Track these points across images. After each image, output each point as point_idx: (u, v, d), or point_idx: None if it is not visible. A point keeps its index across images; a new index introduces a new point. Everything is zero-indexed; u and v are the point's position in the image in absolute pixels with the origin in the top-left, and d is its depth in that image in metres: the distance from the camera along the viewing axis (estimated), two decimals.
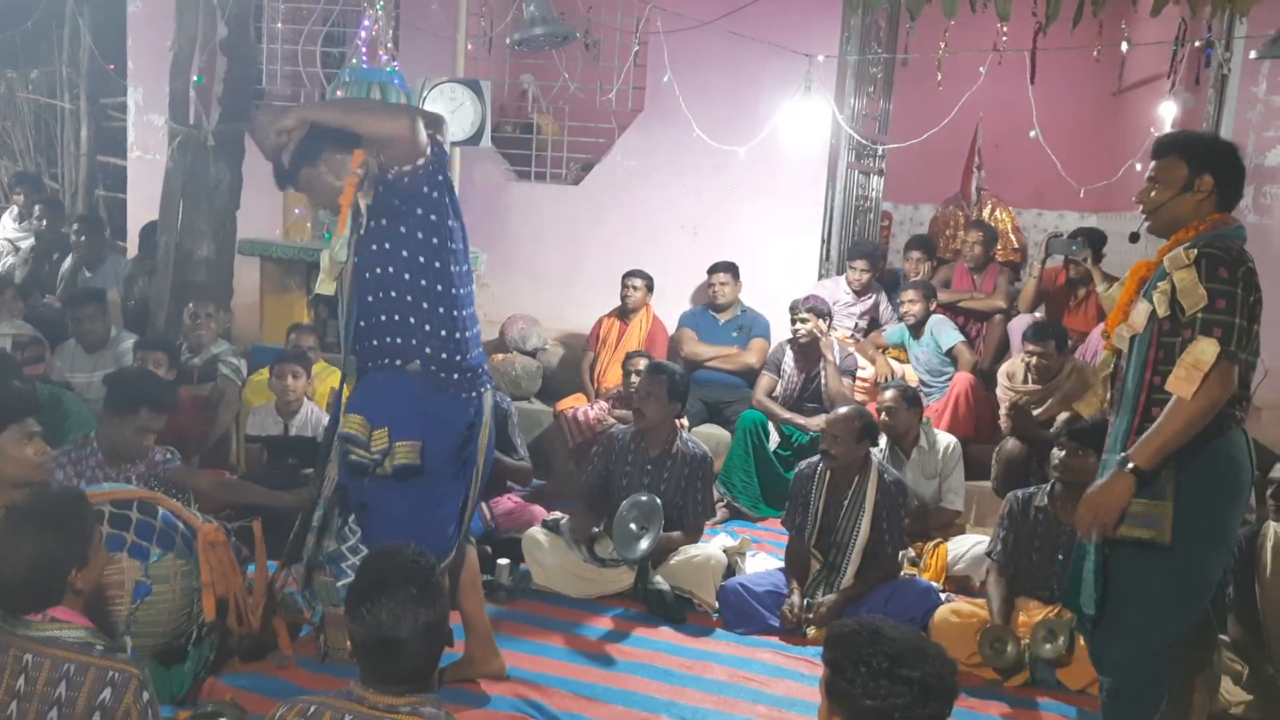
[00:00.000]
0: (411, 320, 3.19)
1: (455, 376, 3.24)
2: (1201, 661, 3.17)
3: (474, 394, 3.30)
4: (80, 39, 8.76)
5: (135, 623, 3.33)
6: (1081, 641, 3.96)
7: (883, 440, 5.14)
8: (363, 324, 3.24)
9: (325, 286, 3.28)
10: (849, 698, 1.98)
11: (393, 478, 3.19)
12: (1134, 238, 3.13)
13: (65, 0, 8.61)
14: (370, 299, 3.20)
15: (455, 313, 3.22)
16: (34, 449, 3.36)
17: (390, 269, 3.16)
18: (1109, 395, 3.14)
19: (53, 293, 7.09)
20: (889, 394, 5.23)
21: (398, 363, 3.22)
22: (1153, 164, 3.02)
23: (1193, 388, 2.73)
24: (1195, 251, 2.80)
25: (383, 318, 3.20)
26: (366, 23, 5.78)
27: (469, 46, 6.55)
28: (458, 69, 6.21)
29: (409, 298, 3.17)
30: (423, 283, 3.17)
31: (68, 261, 7.21)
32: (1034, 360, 5.55)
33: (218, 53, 6.19)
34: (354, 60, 5.80)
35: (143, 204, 7.55)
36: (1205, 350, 2.73)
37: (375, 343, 3.24)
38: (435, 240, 3.15)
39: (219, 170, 6.38)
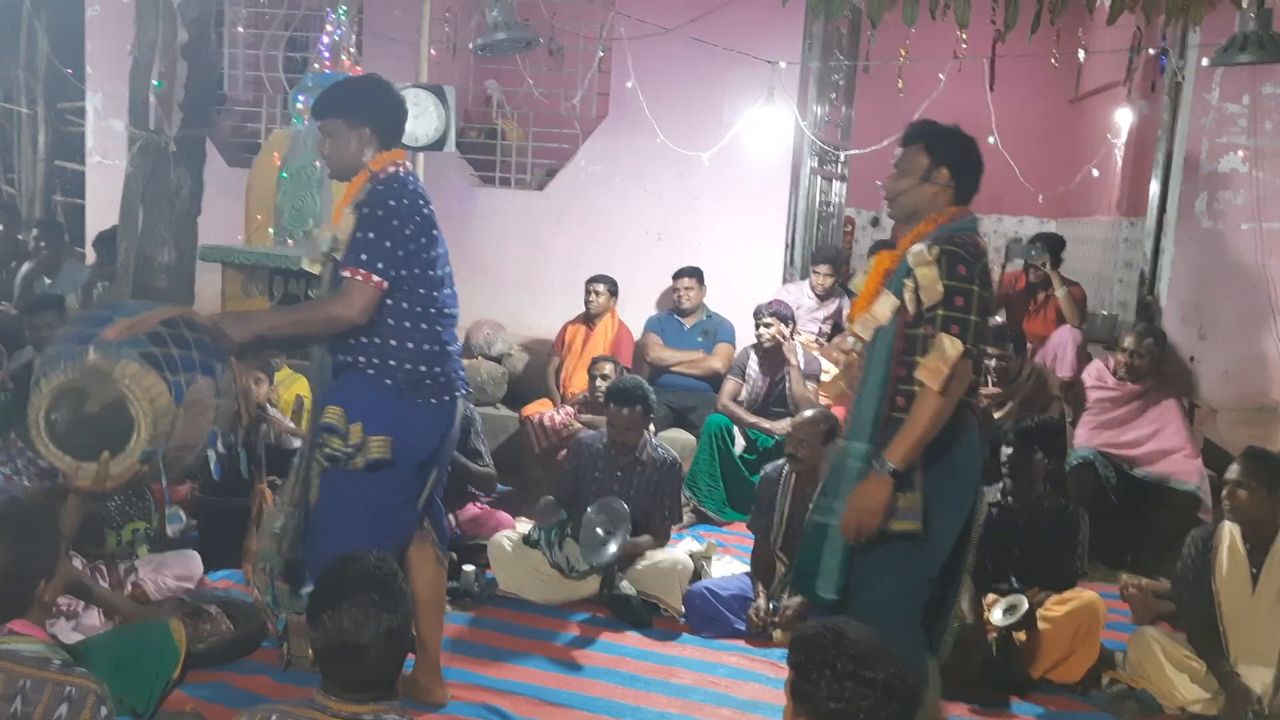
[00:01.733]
0: (377, 339, 3.23)
1: (426, 383, 3.28)
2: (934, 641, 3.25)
3: (446, 398, 3.35)
4: (38, 43, 8.64)
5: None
6: (1041, 623, 4.06)
7: None
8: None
9: (311, 265, 3.34)
10: (814, 700, 2.00)
11: (364, 471, 3.23)
12: (875, 222, 3.25)
13: (22, 4, 8.49)
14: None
15: (425, 326, 3.26)
16: None
17: None
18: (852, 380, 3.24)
19: (10, 300, 6.99)
20: None
21: (369, 372, 3.25)
22: (898, 151, 3.14)
23: (938, 382, 2.86)
24: (938, 249, 2.92)
25: (363, 337, 3.23)
26: (329, 28, 5.75)
27: (432, 52, 6.53)
28: (421, 74, 6.19)
29: (387, 319, 3.22)
30: (404, 305, 3.23)
31: (25, 268, 7.11)
32: (994, 364, 5.61)
33: (178, 58, 6.13)
34: (317, 66, 5.76)
35: (102, 210, 7.46)
36: (949, 347, 2.86)
37: (347, 355, 3.28)
38: (416, 269, 3.22)
39: (180, 176, 6.29)
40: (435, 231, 3.29)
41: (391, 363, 3.24)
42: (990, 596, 4.28)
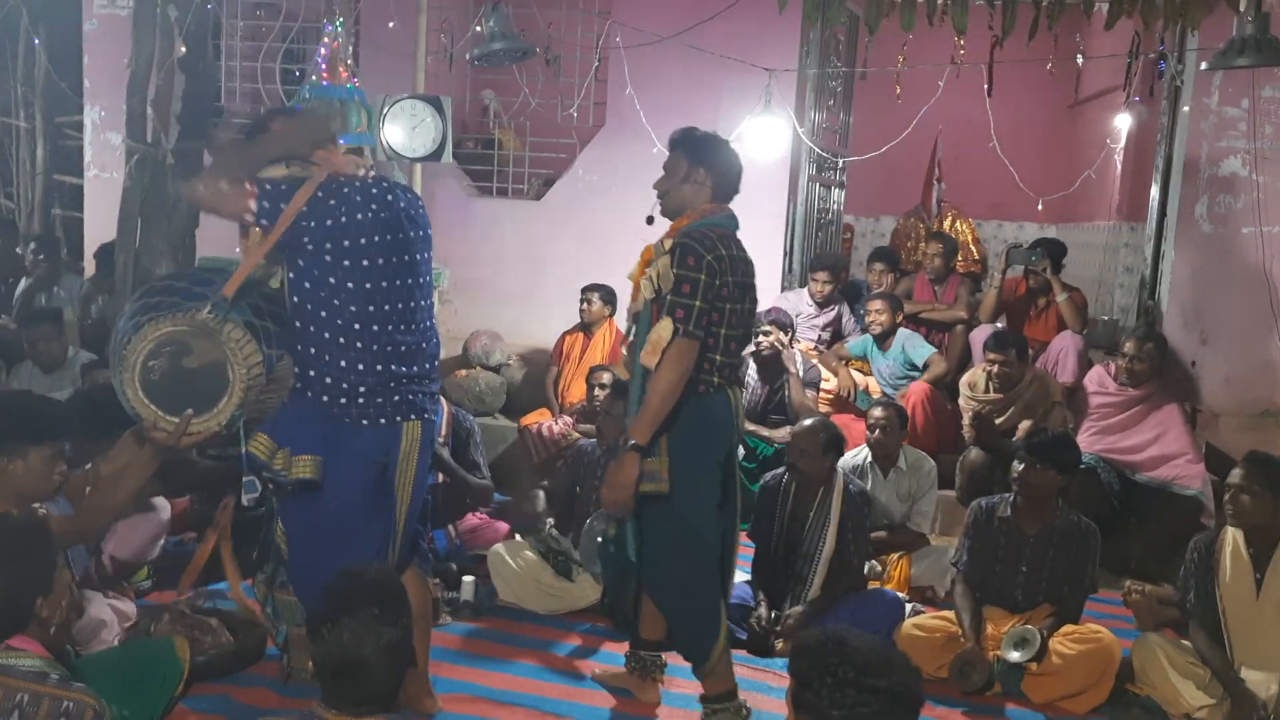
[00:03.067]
0: (299, 347, 3.17)
1: (355, 407, 3.18)
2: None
3: (382, 422, 3.22)
4: (36, 57, 8.66)
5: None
6: (1054, 658, 4.01)
7: (865, 453, 5.15)
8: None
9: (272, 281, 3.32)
10: (816, 709, 1.99)
11: (292, 494, 3.20)
12: (649, 220, 3.57)
13: (20, 18, 8.51)
14: (287, 323, 3.21)
15: (360, 345, 3.15)
16: (58, 471, 3.24)
17: (295, 299, 3.16)
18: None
19: (8, 313, 6.99)
20: (880, 411, 5.13)
21: (297, 385, 3.20)
22: (668, 155, 3.47)
23: (654, 360, 3.21)
24: (672, 242, 3.29)
25: (296, 346, 3.19)
26: (326, 39, 5.75)
27: (429, 63, 6.54)
28: (418, 85, 6.19)
29: (310, 327, 3.15)
30: (338, 322, 3.14)
31: (23, 284, 7.11)
32: (995, 369, 5.60)
33: (176, 70, 6.14)
34: (314, 77, 5.77)
35: (100, 223, 7.46)
36: (664, 329, 3.19)
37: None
38: (332, 279, 3.11)
39: (177, 189, 6.30)
40: (367, 261, 3.11)
41: (313, 375, 3.16)
42: (998, 614, 4.25)
